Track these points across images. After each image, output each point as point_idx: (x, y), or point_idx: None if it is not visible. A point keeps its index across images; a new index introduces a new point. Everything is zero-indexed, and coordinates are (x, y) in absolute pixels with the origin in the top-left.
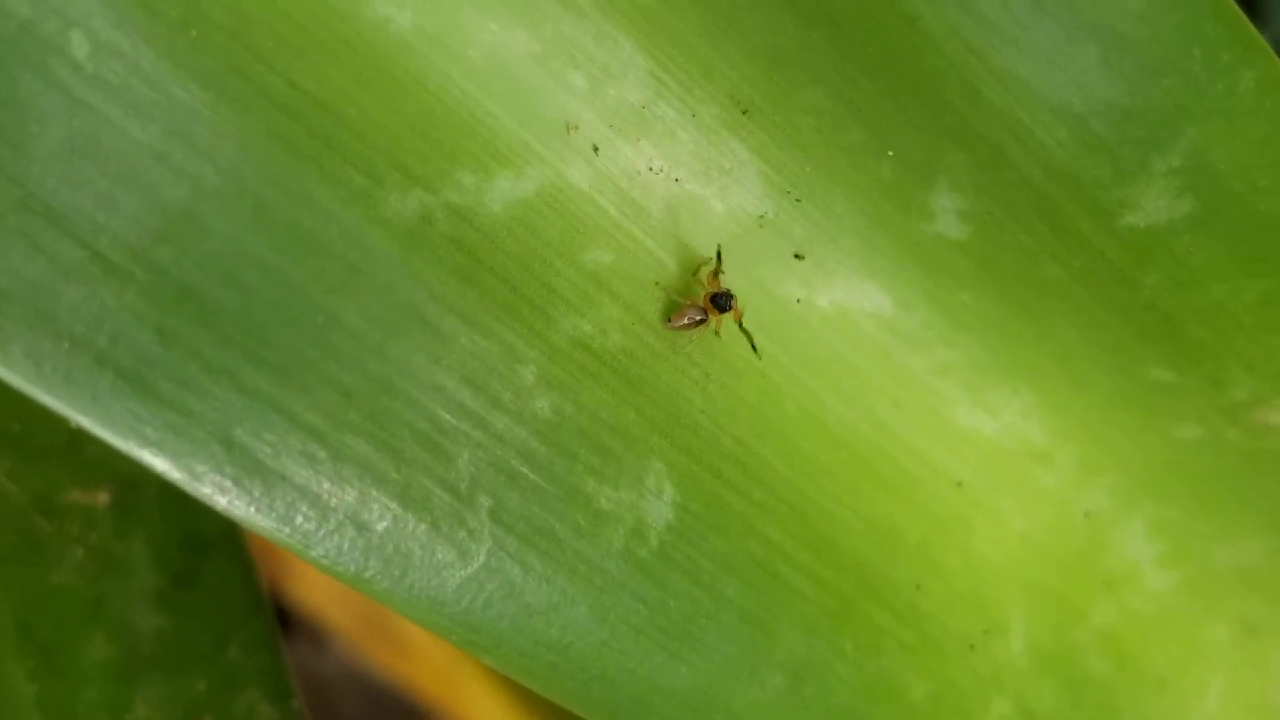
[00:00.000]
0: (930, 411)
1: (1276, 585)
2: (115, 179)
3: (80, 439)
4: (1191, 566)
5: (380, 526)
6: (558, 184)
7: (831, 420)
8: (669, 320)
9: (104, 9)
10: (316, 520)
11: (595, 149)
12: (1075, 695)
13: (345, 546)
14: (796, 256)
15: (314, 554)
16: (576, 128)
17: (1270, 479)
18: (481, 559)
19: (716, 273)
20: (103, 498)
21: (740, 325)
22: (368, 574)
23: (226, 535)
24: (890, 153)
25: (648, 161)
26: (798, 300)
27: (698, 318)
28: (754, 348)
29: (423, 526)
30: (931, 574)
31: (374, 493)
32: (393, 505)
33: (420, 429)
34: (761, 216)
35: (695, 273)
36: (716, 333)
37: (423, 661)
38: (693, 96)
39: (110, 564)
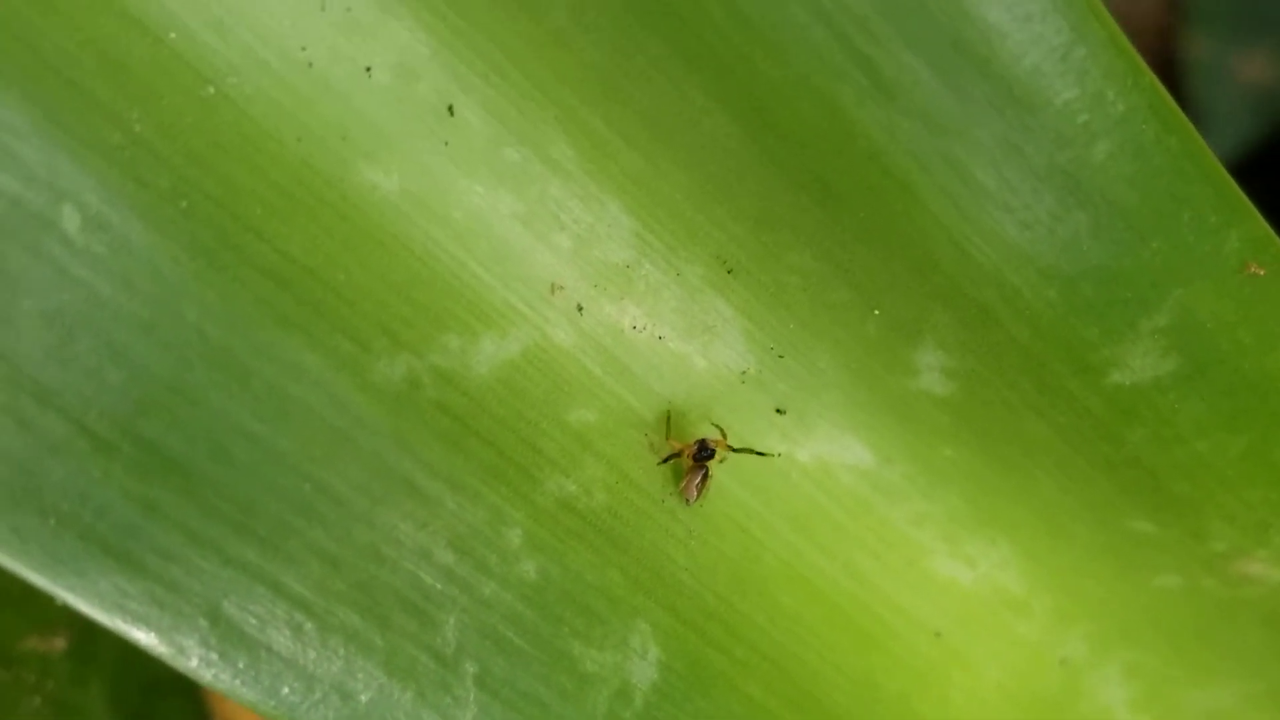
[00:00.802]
0: (909, 563)
1: None
2: (103, 353)
3: (34, 588)
4: (1164, 710)
5: (365, 697)
6: (542, 344)
7: (812, 573)
8: (686, 500)
9: (94, 182)
10: (302, 692)
11: (579, 309)
12: None
13: (330, 717)
14: (778, 411)
15: None
16: (561, 288)
17: (1245, 626)
18: None
19: (668, 436)
20: (59, 644)
21: (734, 449)
22: None
23: (182, 678)
24: (876, 311)
25: (632, 320)
26: (778, 454)
27: (700, 476)
28: (760, 453)
29: (408, 694)
30: None
31: (360, 661)
32: (378, 674)
33: (406, 595)
34: (744, 372)
35: (668, 437)
36: (721, 461)
37: None
38: (678, 256)
39: (67, 712)
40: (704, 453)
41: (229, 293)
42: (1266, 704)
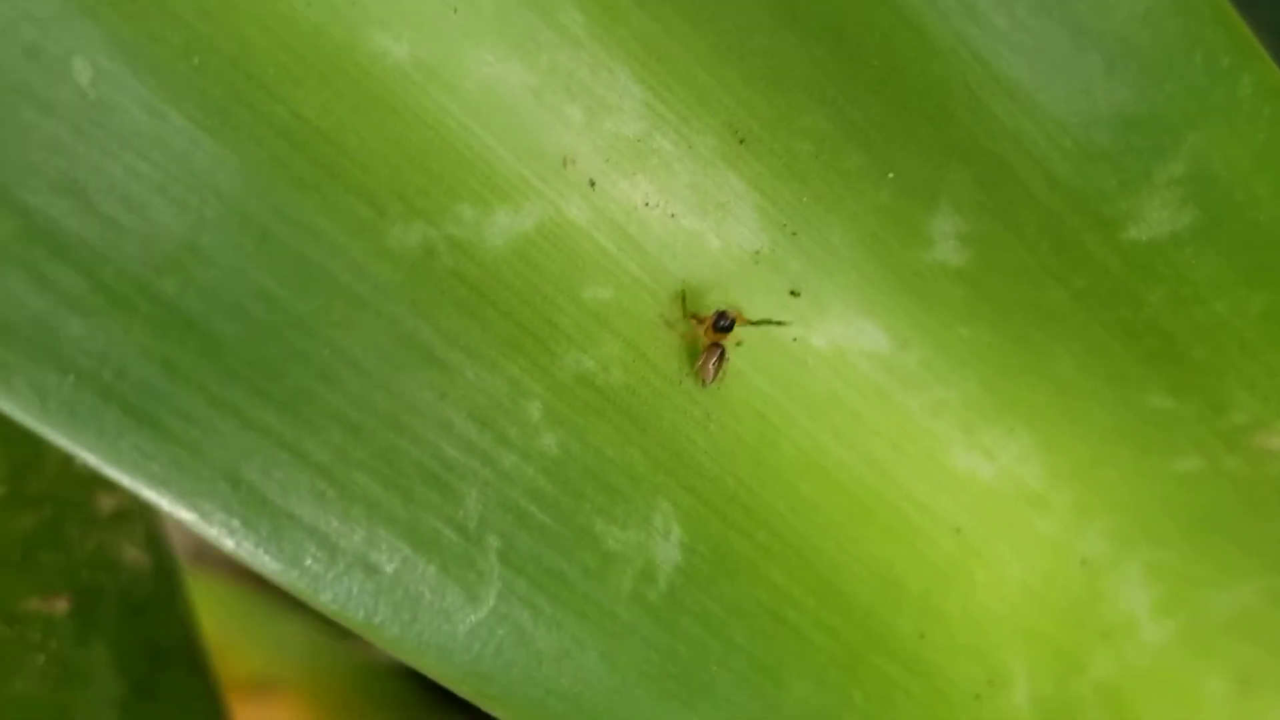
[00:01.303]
0: (928, 455)
1: (1273, 633)
2: (118, 209)
3: (34, 547)
4: (1188, 614)
5: (389, 568)
6: (556, 219)
7: (830, 463)
8: (703, 381)
9: (105, 35)
10: (325, 562)
11: (592, 184)
12: None
13: (354, 590)
14: (792, 294)
15: (323, 598)
16: (573, 162)
17: (1269, 513)
18: (491, 602)
19: (685, 312)
20: (61, 606)
21: (753, 323)
22: (377, 619)
23: (186, 646)
24: (891, 175)
25: (644, 196)
26: (794, 339)
27: (717, 355)
28: (778, 323)
29: (432, 568)
30: (935, 623)
31: (382, 532)
32: (402, 546)
33: (428, 466)
34: (757, 252)
35: (685, 314)
36: (738, 345)
37: None
38: (689, 127)
39: (71, 672)
40: (722, 322)
41: (243, 151)
42: None
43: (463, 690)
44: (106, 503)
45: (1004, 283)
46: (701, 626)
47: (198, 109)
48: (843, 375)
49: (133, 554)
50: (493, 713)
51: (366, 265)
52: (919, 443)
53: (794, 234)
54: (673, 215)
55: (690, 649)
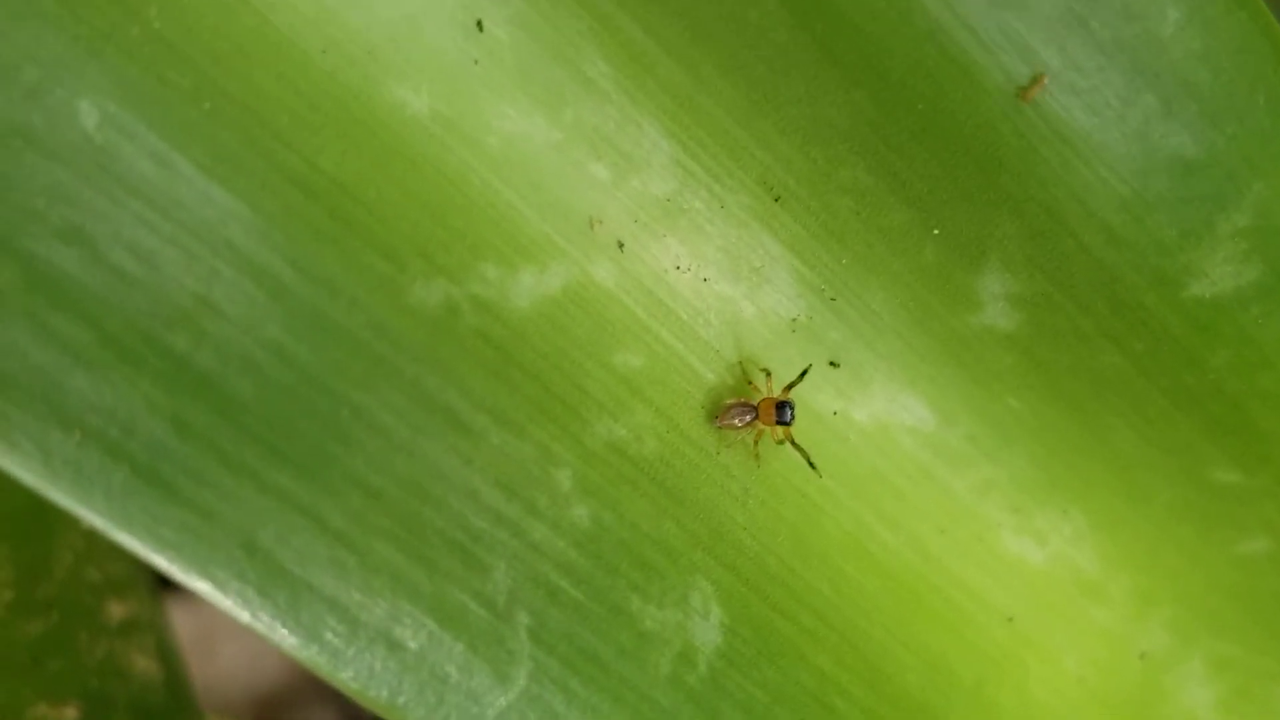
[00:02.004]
0: (976, 538)
1: None
2: (125, 259)
3: (42, 653)
4: (1254, 711)
5: (414, 645)
6: (583, 281)
7: (875, 545)
8: (716, 418)
9: (112, 78)
10: (346, 636)
11: (620, 245)
12: None
13: (377, 667)
14: (832, 364)
15: (343, 675)
16: (600, 222)
17: None
18: (522, 683)
19: (790, 385)
20: (71, 714)
21: (794, 442)
22: (401, 700)
23: None
24: (936, 231)
25: (675, 259)
26: (834, 413)
27: (747, 418)
28: (811, 464)
29: (459, 646)
30: (988, 717)
31: (406, 606)
32: (427, 621)
33: (453, 536)
34: (794, 320)
35: (751, 380)
36: (756, 442)
37: None
38: (721, 185)
39: None
40: (783, 408)
41: (256, 201)
42: None
43: None
44: (117, 610)
45: (1057, 348)
46: (744, 714)
47: (208, 156)
48: (885, 452)
49: (143, 663)
50: None
51: (387, 322)
52: (966, 525)
53: (833, 299)
54: (705, 280)
55: None
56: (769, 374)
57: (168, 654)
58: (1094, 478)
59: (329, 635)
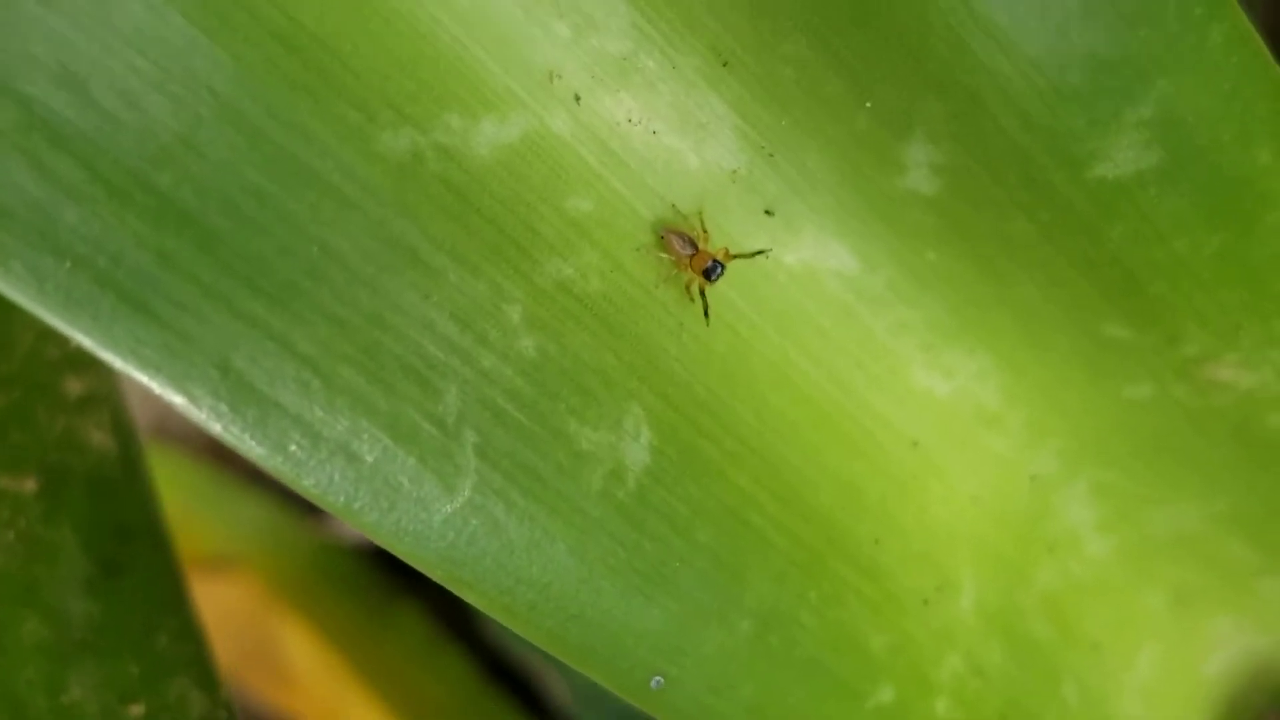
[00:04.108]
0: (889, 372)
1: (1210, 553)
2: (116, 104)
3: (3, 427)
4: (1130, 532)
5: (370, 458)
6: (540, 131)
7: (797, 376)
8: (660, 234)
9: None
10: (308, 449)
11: (577, 98)
12: (1019, 655)
13: (336, 477)
14: (767, 213)
15: (305, 483)
16: (559, 76)
17: (1213, 439)
18: (466, 494)
19: (736, 255)
20: (30, 485)
21: (703, 293)
22: (357, 505)
23: (152, 527)
24: (868, 104)
25: (627, 113)
26: (766, 257)
27: (687, 251)
28: (706, 315)
29: (411, 460)
30: (890, 531)
31: (364, 424)
32: (382, 437)
33: (410, 363)
34: (735, 171)
35: (706, 229)
36: (689, 286)
37: (306, 694)
38: (674, 48)
39: (40, 549)
40: (711, 269)
41: (239, 52)
42: (1230, 525)
43: (436, 575)
44: (74, 387)
45: (972, 212)
46: (667, 525)
47: (197, 10)
48: (811, 293)
49: (99, 437)
50: (465, 597)
51: (356, 168)
52: (882, 360)
53: (771, 156)
54: (654, 132)
55: (655, 546)
56: (705, 231)
57: (122, 428)
58: (1000, 325)
59: (293, 448)
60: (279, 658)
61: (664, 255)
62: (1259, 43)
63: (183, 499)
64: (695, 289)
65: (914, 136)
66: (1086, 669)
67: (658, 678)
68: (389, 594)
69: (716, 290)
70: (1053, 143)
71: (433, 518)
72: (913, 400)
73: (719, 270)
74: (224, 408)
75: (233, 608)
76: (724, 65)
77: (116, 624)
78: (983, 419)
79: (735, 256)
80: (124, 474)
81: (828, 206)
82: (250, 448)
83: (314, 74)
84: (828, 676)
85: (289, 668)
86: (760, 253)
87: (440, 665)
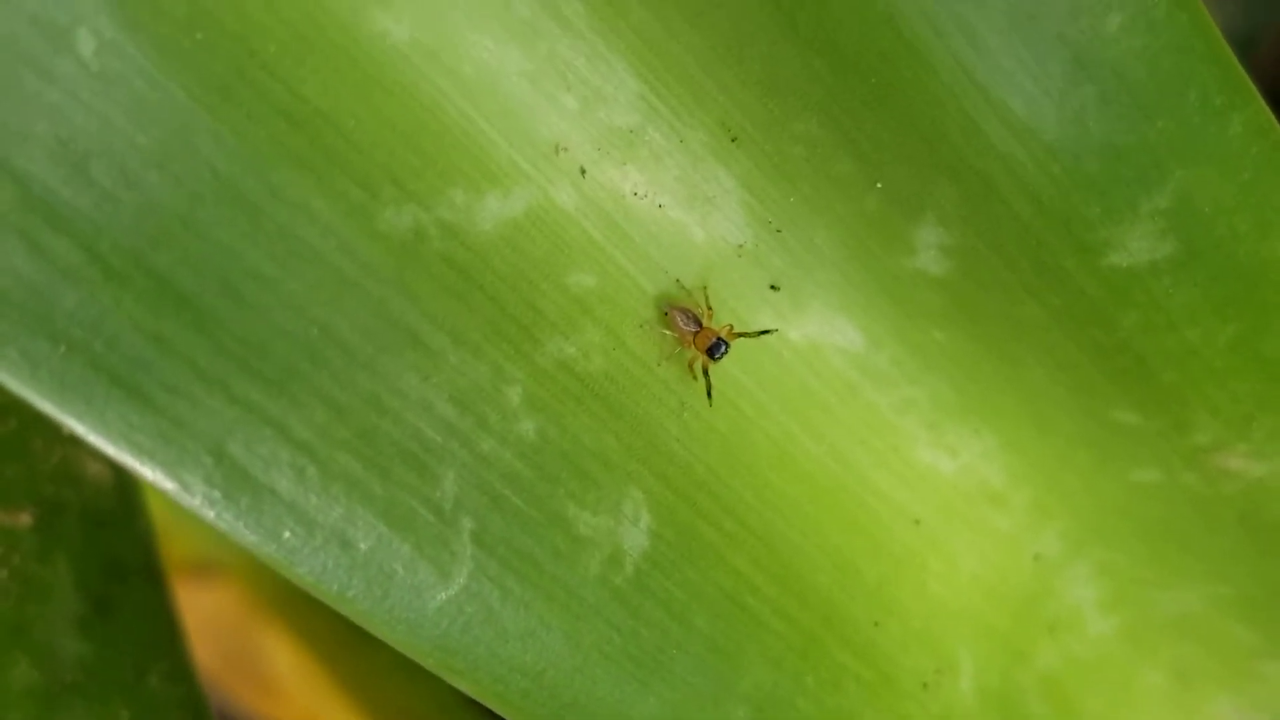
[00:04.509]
0: (892, 450)
1: (1212, 635)
2: (117, 182)
3: None
4: (1132, 612)
5: (364, 545)
6: (545, 205)
7: (800, 454)
8: (664, 311)
9: (109, 6)
10: (303, 536)
11: (582, 171)
12: None
13: (330, 564)
14: (772, 288)
15: (299, 570)
16: (565, 149)
17: (1219, 526)
18: (462, 581)
19: (741, 333)
20: (25, 519)
21: (706, 373)
22: (350, 593)
23: (146, 564)
24: (879, 185)
25: (633, 186)
26: (771, 333)
27: (691, 328)
28: (709, 395)
29: (406, 547)
30: (889, 612)
31: (360, 510)
32: (378, 524)
33: (407, 447)
34: (741, 246)
35: (710, 305)
36: (692, 364)
37: (288, 702)
38: (682, 122)
39: (34, 587)
40: (715, 347)
41: (242, 130)
42: (1233, 609)
43: (428, 664)
44: None
45: (981, 294)
46: (664, 611)
47: (198, 85)
48: (816, 370)
49: (95, 469)
50: (457, 685)
51: (357, 247)
52: (885, 438)
53: (778, 231)
54: (660, 206)
55: (652, 632)
56: (710, 308)
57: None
58: (1006, 407)
59: (287, 535)
60: (261, 665)
61: (667, 332)
62: (1279, 133)
63: (167, 505)
64: (699, 367)
65: (925, 219)
66: None
67: None
68: None
69: (720, 367)
70: (1066, 230)
71: (427, 605)
72: (916, 478)
73: (723, 349)
74: (217, 495)
75: (216, 614)
76: (733, 140)
77: (107, 665)
78: (987, 498)
79: (740, 335)
80: (119, 506)
81: (834, 283)
82: (244, 535)
83: (317, 150)
84: None
85: (271, 675)
86: (766, 331)
87: (420, 677)
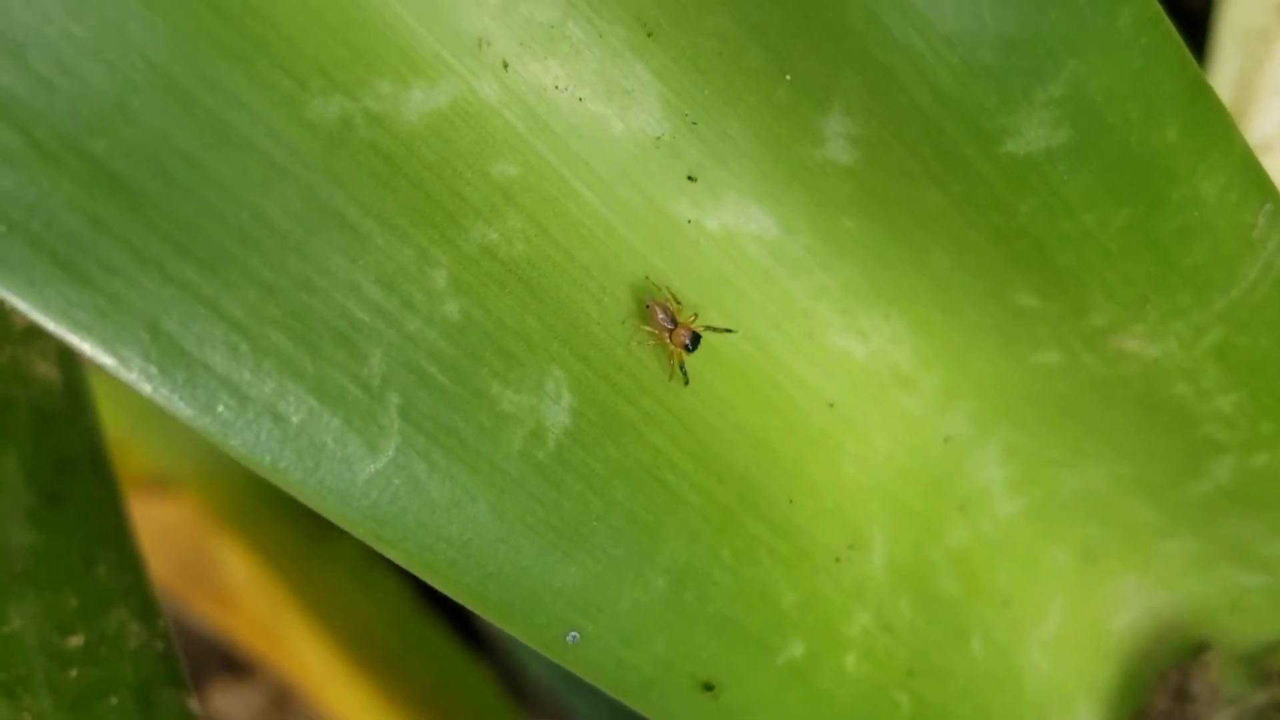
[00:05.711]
0: (807, 334)
1: (1115, 514)
2: (53, 70)
3: None
4: (1039, 492)
5: (296, 419)
6: (469, 97)
7: (715, 337)
8: (645, 305)
9: None
10: (236, 410)
11: (505, 65)
12: (929, 611)
13: (262, 437)
14: (689, 178)
15: (233, 443)
16: (488, 44)
17: (1119, 406)
18: (390, 454)
19: (711, 328)
20: None
21: (683, 366)
22: (282, 465)
23: (95, 458)
24: (788, 76)
25: (554, 80)
26: (688, 221)
27: (668, 325)
28: (686, 382)
29: (336, 420)
30: (804, 490)
31: (291, 385)
32: (308, 398)
33: (336, 326)
34: (658, 138)
35: (680, 301)
36: (671, 358)
37: (243, 614)
38: (601, 17)
39: None
40: (692, 342)
41: (174, 20)
42: (1135, 489)
43: (359, 533)
44: (20, 317)
45: (887, 182)
46: (585, 484)
47: None
48: (732, 258)
49: (44, 368)
50: (387, 554)
51: (286, 134)
52: (799, 323)
53: (694, 123)
54: (580, 99)
55: (573, 505)
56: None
57: (68, 360)
58: (914, 291)
59: (221, 409)
60: (216, 577)
61: (646, 327)
62: (1168, 23)
63: (124, 419)
64: (675, 362)
65: (832, 109)
66: (995, 624)
67: (573, 633)
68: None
69: (639, 255)
70: (965, 118)
71: (357, 477)
72: (829, 362)
73: (697, 341)
74: (154, 370)
75: (172, 527)
76: (649, 35)
77: (57, 555)
78: (898, 381)
79: (708, 329)
80: (68, 405)
81: (748, 173)
82: (179, 408)
83: (247, 41)
84: (739, 632)
85: (226, 587)
86: (729, 330)
87: (375, 588)
